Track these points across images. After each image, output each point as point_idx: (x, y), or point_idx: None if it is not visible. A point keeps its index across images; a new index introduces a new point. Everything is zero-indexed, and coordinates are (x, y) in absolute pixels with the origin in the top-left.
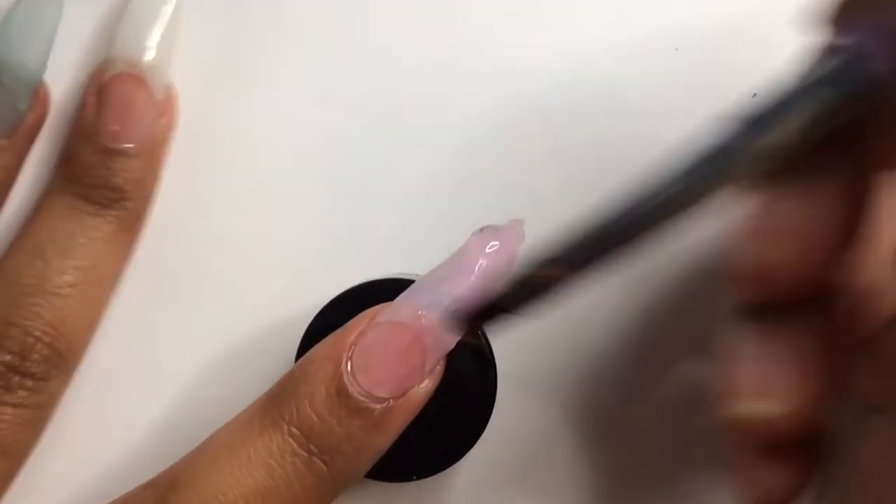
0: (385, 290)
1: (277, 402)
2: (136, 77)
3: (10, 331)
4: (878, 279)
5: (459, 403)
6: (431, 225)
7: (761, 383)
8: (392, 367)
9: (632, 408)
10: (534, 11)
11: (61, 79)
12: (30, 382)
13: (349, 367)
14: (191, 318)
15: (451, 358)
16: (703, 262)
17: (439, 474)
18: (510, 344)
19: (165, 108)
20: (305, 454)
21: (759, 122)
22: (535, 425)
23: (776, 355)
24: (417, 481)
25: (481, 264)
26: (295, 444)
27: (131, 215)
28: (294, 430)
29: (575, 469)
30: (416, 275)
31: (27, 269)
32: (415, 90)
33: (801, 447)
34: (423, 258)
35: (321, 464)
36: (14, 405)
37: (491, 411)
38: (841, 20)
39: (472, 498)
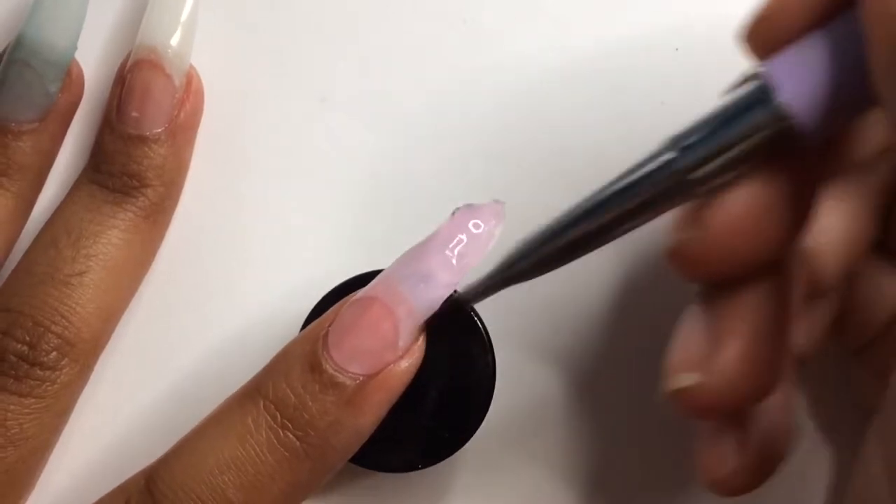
0: None
1: (259, 378)
2: (154, 63)
3: (21, 320)
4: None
5: (459, 390)
6: (424, 220)
7: (688, 357)
8: (364, 339)
9: (634, 389)
10: (533, 12)
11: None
12: (39, 372)
13: (324, 342)
14: (187, 314)
15: (449, 345)
16: None
17: (444, 462)
18: (508, 326)
19: (187, 94)
20: (279, 428)
21: (687, 145)
22: (536, 407)
23: (706, 331)
24: (422, 470)
25: (458, 240)
26: (269, 418)
27: (151, 203)
28: (269, 403)
29: (578, 448)
30: None
31: (40, 258)
32: (414, 88)
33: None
34: None
35: (294, 438)
36: (22, 395)
37: (491, 396)
38: (752, 44)
39: (478, 483)
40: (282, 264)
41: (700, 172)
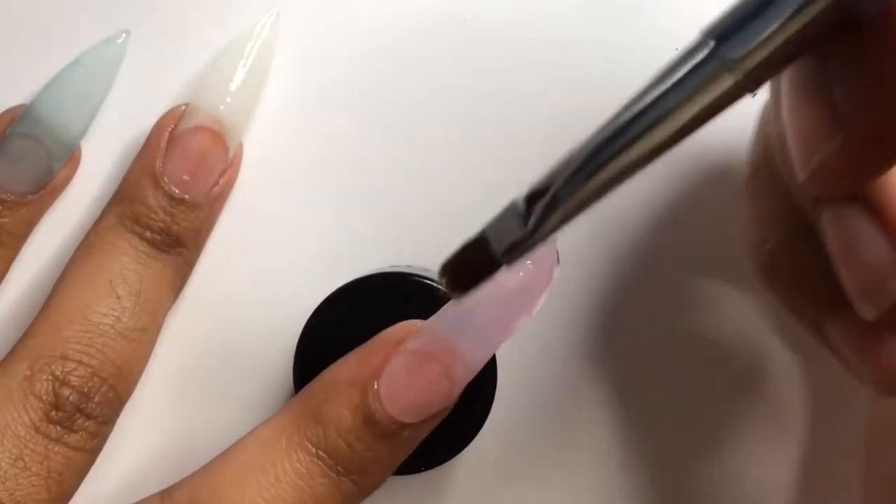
0: (379, 284)
1: (303, 423)
2: (216, 133)
3: (80, 370)
4: None
5: (462, 391)
6: (424, 221)
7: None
8: (421, 397)
9: (636, 389)
10: (533, 12)
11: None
12: (92, 425)
13: (376, 395)
14: (187, 320)
15: None
16: (699, 248)
17: (447, 463)
18: None
19: (231, 164)
20: (335, 475)
21: (736, 32)
22: (538, 408)
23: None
24: (425, 472)
25: (516, 289)
26: (324, 466)
27: (186, 263)
28: (322, 453)
29: (580, 449)
30: (409, 266)
31: (99, 307)
32: (414, 88)
33: None
34: (415, 253)
35: (350, 483)
36: (77, 448)
37: (493, 398)
38: None
39: (481, 485)
40: (281, 265)
41: (752, 60)
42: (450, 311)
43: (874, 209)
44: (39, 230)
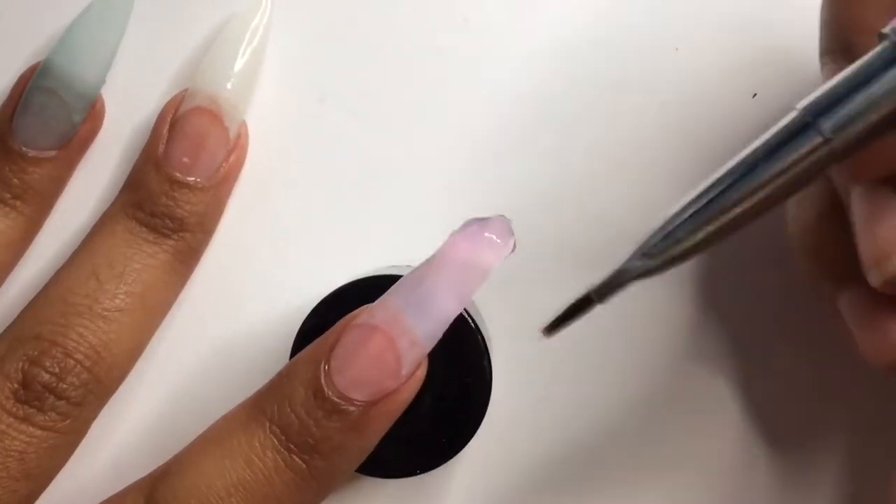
0: (376, 286)
1: (262, 399)
2: (213, 113)
3: (52, 350)
4: None
5: (456, 395)
6: (423, 222)
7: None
8: (367, 370)
9: (632, 390)
10: (533, 12)
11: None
12: (64, 406)
13: (326, 369)
14: (185, 320)
15: (445, 349)
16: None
17: (441, 467)
18: (503, 329)
19: (235, 145)
20: (285, 451)
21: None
22: (533, 410)
23: None
24: (420, 475)
25: (463, 261)
26: (275, 441)
27: (189, 247)
28: (275, 427)
29: (575, 451)
30: (408, 266)
31: (80, 289)
32: (414, 88)
33: None
34: (415, 253)
35: (300, 462)
36: (44, 427)
37: (488, 400)
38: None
39: (476, 488)
40: (278, 266)
41: (845, 138)
42: (399, 287)
43: None
44: (46, 227)
